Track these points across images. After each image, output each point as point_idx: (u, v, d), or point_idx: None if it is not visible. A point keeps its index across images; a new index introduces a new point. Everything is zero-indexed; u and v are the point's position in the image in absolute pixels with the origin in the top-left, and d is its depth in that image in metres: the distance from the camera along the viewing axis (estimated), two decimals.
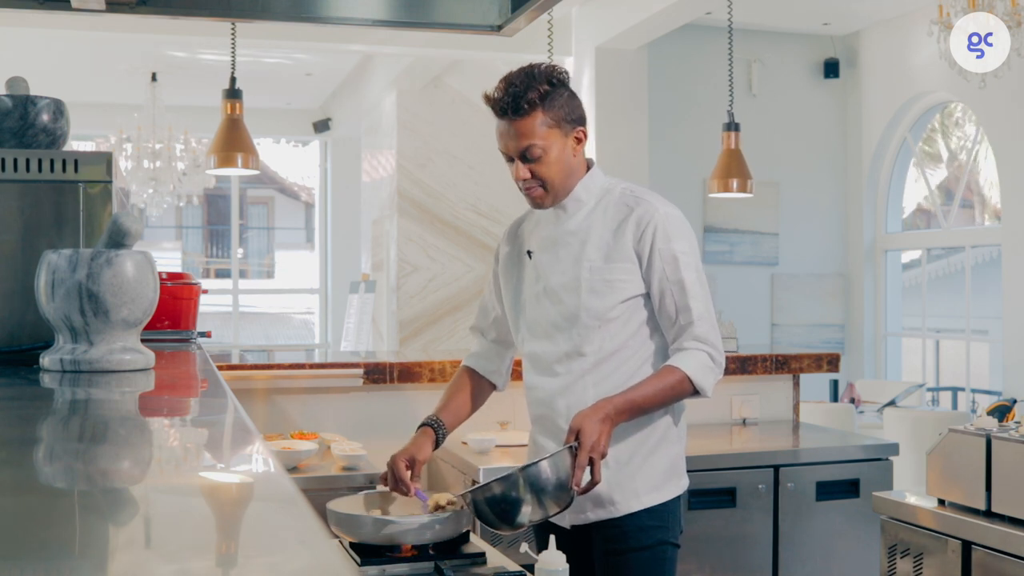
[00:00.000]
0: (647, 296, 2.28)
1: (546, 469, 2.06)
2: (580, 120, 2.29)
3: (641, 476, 2.28)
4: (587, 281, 2.27)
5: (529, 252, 2.39)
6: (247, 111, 5.09)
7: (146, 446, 1.18)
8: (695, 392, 2.24)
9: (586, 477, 2.11)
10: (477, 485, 2.13)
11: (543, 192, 2.28)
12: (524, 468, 2.07)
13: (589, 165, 2.35)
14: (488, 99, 2.27)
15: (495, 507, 2.08)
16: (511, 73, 2.24)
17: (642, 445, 2.29)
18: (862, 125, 8.53)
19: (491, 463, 3.16)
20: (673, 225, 2.27)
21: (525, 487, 2.06)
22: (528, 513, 2.07)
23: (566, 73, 2.30)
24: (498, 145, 2.29)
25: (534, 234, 2.40)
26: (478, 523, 3.03)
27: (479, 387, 2.54)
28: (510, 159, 2.28)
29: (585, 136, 2.30)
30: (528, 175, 2.25)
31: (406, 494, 2.26)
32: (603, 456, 2.12)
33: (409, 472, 2.27)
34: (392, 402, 3.59)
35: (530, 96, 2.20)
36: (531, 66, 2.26)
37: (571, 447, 2.10)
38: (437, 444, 2.38)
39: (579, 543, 2.34)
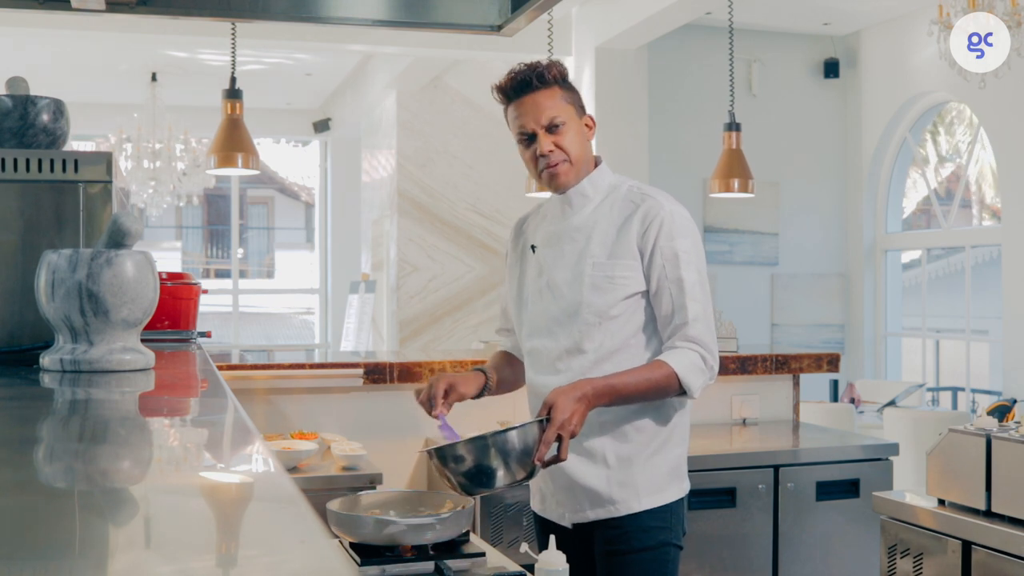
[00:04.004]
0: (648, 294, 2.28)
1: (513, 439, 2.06)
2: (585, 110, 2.34)
3: (643, 477, 2.27)
4: (590, 277, 2.26)
5: (533, 247, 2.39)
6: (247, 111, 5.09)
7: (146, 446, 1.18)
8: (682, 391, 2.21)
9: (551, 453, 2.10)
10: (445, 444, 2.12)
11: (568, 167, 2.28)
12: (492, 435, 2.07)
13: (597, 162, 2.36)
14: (502, 84, 2.28)
15: (458, 467, 2.08)
16: (517, 64, 2.28)
17: (645, 446, 2.28)
18: (862, 125, 8.53)
19: None
20: (678, 223, 2.26)
21: (491, 453, 2.06)
22: (497, 479, 2.07)
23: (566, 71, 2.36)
24: (514, 129, 2.29)
25: (539, 229, 2.40)
26: (478, 523, 3.03)
27: (520, 367, 2.52)
28: (530, 138, 2.27)
29: (593, 124, 2.34)
30: (553, 147, 2.25)
31: (430, 414, 2.27)
32: (573, 435, 2.10)
33: (445, 398, 2.28)
34: (392, 402, 3.59)
35: (552, 71, 2.26)
36: (537, 61, 2.31)
37: (541, 421, 2.09)
38: (481, 394, 2.39)
39: (581, 543, 2.33)
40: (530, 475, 2.11)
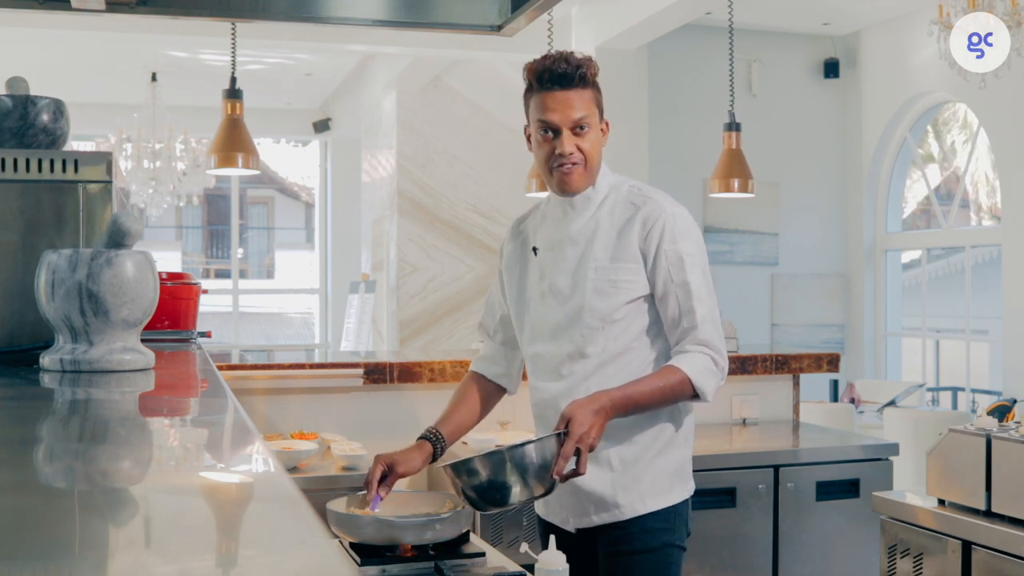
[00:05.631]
0: (652, 297, 2.25)
1: (531, 453, 2.04)
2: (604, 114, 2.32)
3: (647, 479, 2.26)
4: (593, 281, 2.24)
5: (535, 249, 2.36)
6: (247, 111, 5.09)
7: (146, 446, 1.18)
8: (695, 395, 2.20)
9: (570, 466, 2.08)
10: (460, 459, 2.09)
11: (582, 171, 2.24)
12: (509, 449, 2.04)
13: None
14: (542, 69, 2.21)
15: (476, 484, 2.06)
16: (558, 51, 2.25)
17: (648, 448, 2.27)
18: (862, 125, 8.53)
19: None
20: (680, 225, 2.24)
21: (508, 468, 2.04)
22: (513, 495, 2.05)
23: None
24: (537, 117, 2.23)
25: (540, 231, 2.37)
26: (478, 523, 3.03)
27: (487, 393, 2.48)
28: (554, 132, 2.22)
29: (608, 128, 2.31)
30: (575, 148, 2.22)
31: (368, 497, 2.22)
32: (591, 449, 2.08)
33: (382, 478, 2.23)
34: (392, 402, 3.59)
35: (592, 70, 2.23)
36: (572, 52, 2.27)
37: (559, 434, 2.07)
38: (435, 457, 2.33)
39: (584, 546, 2.32)
40: (549, 490, 2.08)
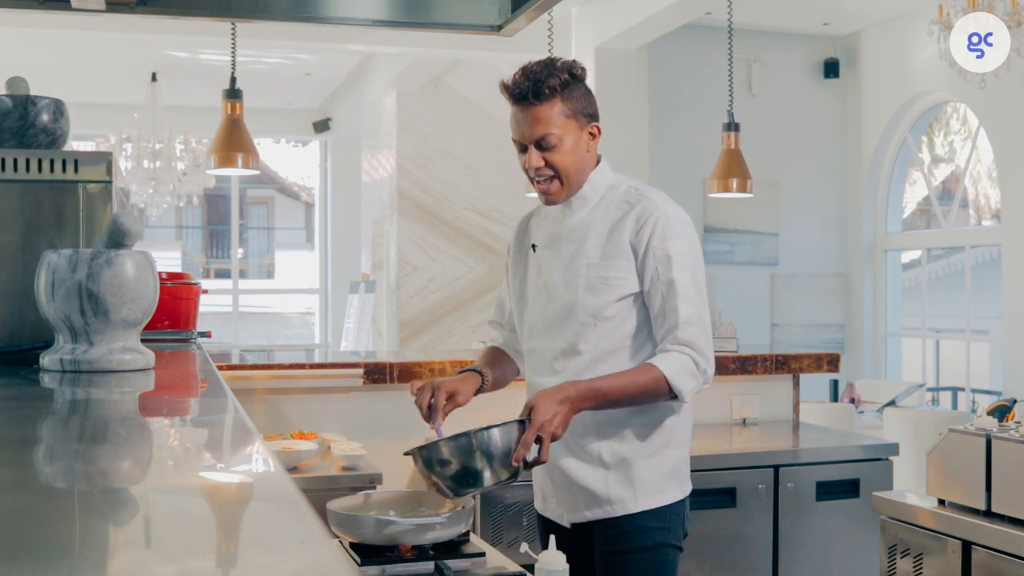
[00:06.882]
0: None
1: (494, 438, 2.05)
2: (595, 116, 2.28)
3: (640, 477, 2.26)
4: (585, 278, 2.25)
5: (533, 246, 2.39)
6: (247, 111, 5.09)
7: (146, 446, 1.18)
8: (672, 395, 2.18)
9: (533, 454, 2.08)
10: (427, 443, 2.11)
11: (558, 185, 2.25)
12: (475, 432, 2.05)
13: (597, 160, 2.33)
14: (505, 86, 2.23)
15: (442, 466, 2.07)
16: (530, 63, 2.23)
17: (643, 447, 2.27)
18: (862, 125, 8.53)
19: None
20: (672, 224, 2.23)
21: (472, 452, 2.05)
22: (479, 477, 2.06)
23: (584, 70, 2.29)
24: (512, 134, 2.26)
25: (540, 229, 2.40)
26: (478, 523, 3.03)
27: (509, 363, 2.53)
28: (523, 148, 2.24)
29: (599, 132, 2.28)
30: (541, 163, 2.22)
31: (429, 422, 2.23)
32: (555, 438, 2.08)
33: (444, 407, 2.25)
34: (392, 402, 3.59)
35: (551, 83, 2.19)
36: (551, 58, 2.26)
37: (522, 421, 2.09)
38: (479, 390, 2.37)
39: (580, 542, 2.33)
40: (513, 476, 2.09)
